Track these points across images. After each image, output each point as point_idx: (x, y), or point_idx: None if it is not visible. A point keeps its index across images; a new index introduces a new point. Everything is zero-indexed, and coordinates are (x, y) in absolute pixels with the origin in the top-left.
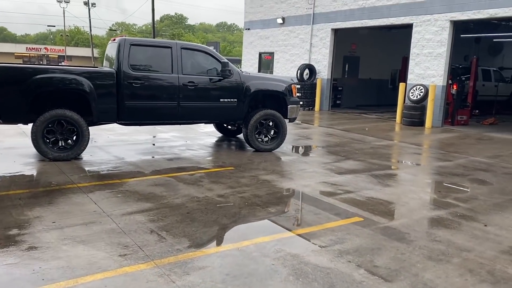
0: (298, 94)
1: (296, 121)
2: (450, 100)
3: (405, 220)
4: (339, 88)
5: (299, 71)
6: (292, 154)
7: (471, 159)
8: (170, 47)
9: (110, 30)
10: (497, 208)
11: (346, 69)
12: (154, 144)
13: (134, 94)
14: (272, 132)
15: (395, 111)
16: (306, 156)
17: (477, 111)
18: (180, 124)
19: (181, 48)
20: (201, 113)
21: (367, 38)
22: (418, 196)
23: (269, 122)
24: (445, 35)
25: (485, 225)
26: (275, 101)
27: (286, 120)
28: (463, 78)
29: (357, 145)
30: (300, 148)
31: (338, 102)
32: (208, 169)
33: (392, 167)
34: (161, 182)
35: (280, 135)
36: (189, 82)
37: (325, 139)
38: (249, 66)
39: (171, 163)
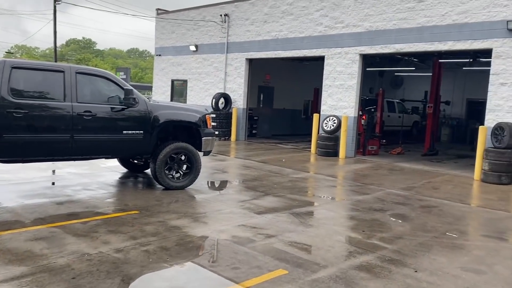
0: (213, 124)
1: (212, 153)
2: (361, 130)
3: (333, 270)
4: (255, 118)
5: (214, 100)
6: (207, 192)
7: (388, 191)
8: (63, 71)
9: (7, 53)
10: (423, 249)
11: (261, 99)
12: (53, 183)
13: (16, 126)
14: (184, 167)
15: (309, 141)
16: (223, 194)
17: (384, 140)
18: (74, 160)
19: (76, 73)
20: (101, 147)
21: (281, 68)
22: (342, 237)
23: (181, 156)
24: (355, 68)
25: (416, 271)
26: (188, 133)
27: (201, 154)
28: (372, 109)
29: (276, 178)
30: (216, 184)
31: (254, 131)
32: (106, 214)
33: (313, 203)
34: (43, 235)
35: (193, 170)
36: (85, 111)
37: (242, 172)
38: (160, 93)
39: (60, 208)
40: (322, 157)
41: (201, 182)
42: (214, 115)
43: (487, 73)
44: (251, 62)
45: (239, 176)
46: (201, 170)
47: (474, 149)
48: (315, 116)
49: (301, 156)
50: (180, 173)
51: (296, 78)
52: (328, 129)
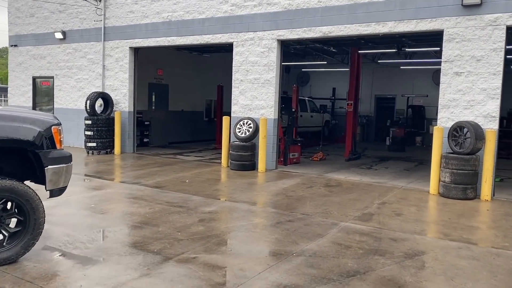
0: (89, 133)
1: (87, 176)
2: (281, 135)
3: None
4: (146, 123)
5: (89, 102)
6: (55, 266)
7: (343, 226)
8: None
9: None
10: None
11: (153, 100)
12: None
13: None
14: (11, 224)
15: (215, 149)
16: (86, 267)
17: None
18: None
19: None
20: None
21: (176, 62)
22: None
23: (3, 204)
24: (273, 57)
25: None
26: (20, 159)
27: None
28: (293, 109)
29: (179, 217)
30: (77, 244)
31: (146, 140)
32: None
33: (244, 272)
34: None
35: (28, 227)
36: None
37: (126, 210)
38: (19, 95)
39: None
40: (237, 172)
41: (48, 242)
42: (89, 122)
43: (396, 68)
44: (137, 52)
45: (121, 220)
46: (61, 213)
47: (390, 148)
48: (225, 119)
49: (210, 173)
50: (4, 235)
51: (196, 73)
52: (243, 135)
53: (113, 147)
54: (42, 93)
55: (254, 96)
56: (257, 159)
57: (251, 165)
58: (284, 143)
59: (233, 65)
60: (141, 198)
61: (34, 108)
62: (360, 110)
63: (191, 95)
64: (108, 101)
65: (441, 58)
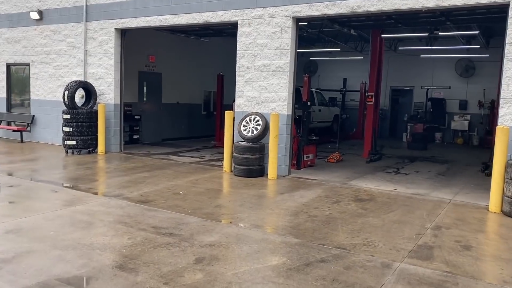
0: (67, 129)
1: (59, 184)
2: (294, 133)
3: None
4: (136, 117)
5: (67, 93)
6: None
7: (400, 270)
8: None
9: None
10: None
11: (145, 90)
12: None
13: None
14: None
15: (215, 147)
16: None
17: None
18: None
19: None
20: None
21: (171, 47)
22: None
23: None
24: (287, 39)
25: None
26: None
27: None
28: (309, 103)
29: (166, 254)
30: None
31: (136, 136)
32: None
33: None
34: None
35: None
36: None
37: (97, 241)
38: None
39: None
40: (242, 179)
41: None
42: (68, 116)
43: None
44: (124, 34)
45: (88, 258)
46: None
47: (410, 146)
48: (228, 115)
49: (210, 180)
50: None
51: (194, 61)
52: (250, 134)
53: (96, 146)
54: (18, 82)
55: (263, 86)
56: (267, 163)
57: (259, 171)
58: (297, 142)
59: (237, 49)
60: (120, 220)
61: (9, 100)
62: None
63: (188, 86)
64: (90, 92)
65: (470, 45)
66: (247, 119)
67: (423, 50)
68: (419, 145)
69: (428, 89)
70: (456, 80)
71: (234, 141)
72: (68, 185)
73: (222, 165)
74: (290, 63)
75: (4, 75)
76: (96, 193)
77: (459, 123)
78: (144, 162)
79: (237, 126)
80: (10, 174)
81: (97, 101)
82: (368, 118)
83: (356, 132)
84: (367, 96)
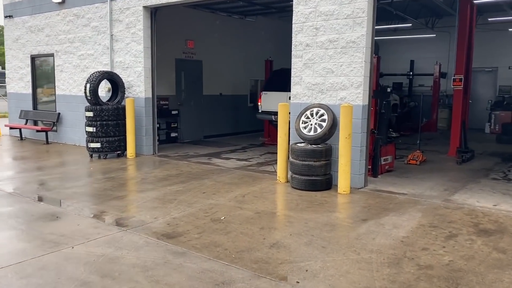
0: (90, 130)
1: (71, 204)
2: (371, 129)
3: None
4: (173, 112)
5: (89, 86)
6: None
7: None
8: None
9: None
10: None
11: (183, 81)
12: None
13: None
14: None
15: (263, 145)
16: None
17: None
18: None
19: None
20: None
21: (211, 30)
22: None
23: None
24: (362, 3)
25: None
26: None
27: None
28: (389, 89)
29: None
30: None
31: (173, 135)
32: None
33: None
34: None
35: None
36: None
37: None
38: (18, 79)
39: None
40: (303, 192)
41: None
42: (91, 114)
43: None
44: (154, 14)
45: None
46: None
47: (501, 139)
48: (282, 108)
49: (260, 197)
50: None
51: (238, 45)
52: (311, 134)
53: (125, 148)
54: (43, 75)
55: (328, 69)
56: (335, 170)
57: (326, 182)
58: (373, 142)
59: (293, 21)
60: (130, 278)
61: (34, 96)
62: (446, 87)
63: (232, 75)
64: (117, 84)
65: None
66: (308, 113)
67: (509, 23)
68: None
69: None
70: None
71: (291, 142)
72: (74, 207)
73: (275, 171)
74: (367, 36)
75: (29, 69)
76: (107, 222)
77: None
78: (179, 169)
79: (293, 122)
80: (11, 189)
81: (125, 95)
82: (456, 106)
83: (429, 123)
84: (454, 80)
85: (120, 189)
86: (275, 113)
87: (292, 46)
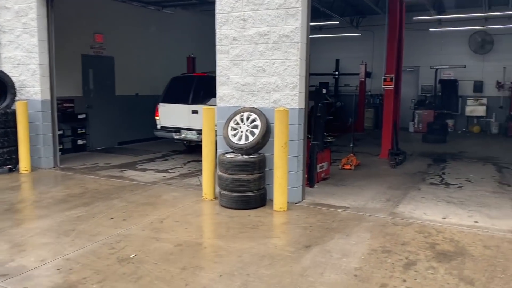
0: None
1: None
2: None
3: None
4: (80, 116)
5: None
6: None
7: None
8: None
9: None
10: None
11: (91, 81)
12: None
13: None
14: None
15: (188, 153)
16: None
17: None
18: None
19: None
20: None
21: (124, 22)
22: None
23: None
24: None
25: None
26: None
27: None
28: (324, 90)
29: None
30: None
31: (81, 142)
32: None
33: None
34: None
35: None
36: None
37: None
38: None
39: None
40: (234, 212)
41: None
42: None
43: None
44: (51, 0)
45: None
46: None
47: (427, 139)
48: (207, 112)
49: (182, 221)
50: None
51: (155, 39)
52: (242, 142)
53: (17, 162)
54: None
55: (259, 67)
56: (270, 183)
57: (260, 198)
58: (309, 149)
59: (216, 11)
60: None
61: None
62: (371, 87)
63: (150, 73)
64: (5, 85)
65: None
66: (238, 118)
67: (430, 23)
68: (438, 137)
69: (437, 69)
70: (470, 58)
71: (218, 153)
72: None
73: (201, 184)
74: (302, 30)
75: None
76: None
77: (474, 108)
78: (84, 185)
79: (221, 129)
80: None
81: (15, 98)
82: (387, 107)
83: (356, 123)
84: (385, 79)
85: (1, 217)
86: (177, 130)
87: (217, 40)
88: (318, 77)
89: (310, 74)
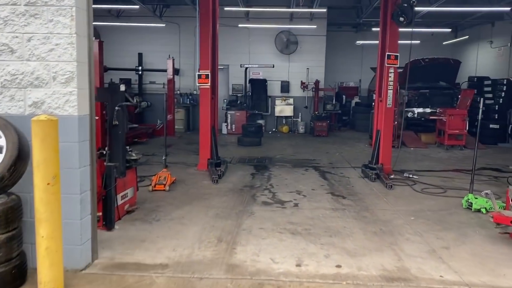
0: None
1: None
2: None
3: None
4: None
5: None
6: None
7: None
8: None
9: None
10: None
11: None
12: None
13: None
14: None
15: None
16: None
17: None
18: None
19: None
20: None
21: None
22: None
23: None
24: None
25: None
26: None
27: None
28: (122, 87)
29: None
30: None
31: None
32: None
33: None
34: None
35: None
36: None
37: None
38: None
39: None
40: None
41: None
42: None
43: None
44: None
45: None
46: None
47: (242, 142)
48: None
49: None
50: None
51: None
52: None
53: None
54: None
55: (3, 45)
56: (33, 242)
57: (12, 275)
58: (104, 175)
59: None
60: None
61: None
62: (180, 86)
63: None
64: None
65: None
66: None
67: (240, 18)
68: (253, 140)
69: (247, 67)
70: (277, 58)
71: None
72: None
73: None
74: None
75: None
76: None
77: (282, 108)
78: None
79: None
80: None
81: None
82: (204, 108)
83: (166, 126)
84: (200, 76)
85: None
86: None
87: None
88: (119, 73)
89: (108, 68)
